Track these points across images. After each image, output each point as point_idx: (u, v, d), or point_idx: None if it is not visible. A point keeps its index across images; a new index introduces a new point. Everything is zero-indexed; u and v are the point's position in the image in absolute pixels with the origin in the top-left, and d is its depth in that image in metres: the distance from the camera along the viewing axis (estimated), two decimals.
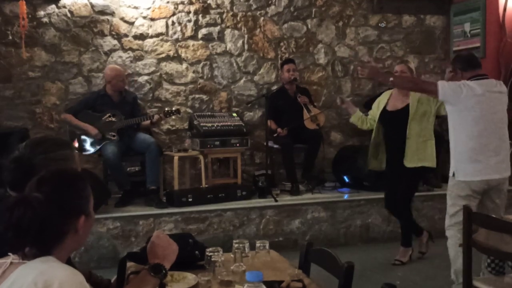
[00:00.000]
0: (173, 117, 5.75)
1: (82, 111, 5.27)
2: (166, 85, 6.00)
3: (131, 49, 5.87)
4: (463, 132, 3.62)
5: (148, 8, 5.87)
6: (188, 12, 6.00)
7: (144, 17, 5.87)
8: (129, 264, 2.02)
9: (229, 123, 5.68)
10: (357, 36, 6.52)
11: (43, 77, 5.67)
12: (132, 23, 5.85)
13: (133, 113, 5.34)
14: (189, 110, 6.03)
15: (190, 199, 5.08)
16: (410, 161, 4.46)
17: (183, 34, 5.99)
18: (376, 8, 6.53)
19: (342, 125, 6.42)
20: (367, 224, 5.41)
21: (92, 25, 5.75)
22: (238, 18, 6.15)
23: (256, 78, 6.25)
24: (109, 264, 4.51)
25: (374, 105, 4.79)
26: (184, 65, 6.03)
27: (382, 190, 5.55)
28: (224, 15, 6.11)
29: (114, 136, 5.16)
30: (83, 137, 5.19)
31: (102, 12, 5.76)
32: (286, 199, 5.40)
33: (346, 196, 5.53)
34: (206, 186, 5.48)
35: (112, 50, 5.82)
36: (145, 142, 5.14)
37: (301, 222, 5.27)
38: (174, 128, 6.03)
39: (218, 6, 6.08)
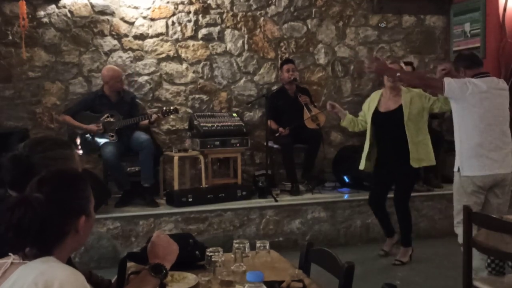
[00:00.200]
0: (172, 116, 5.76)
1: (80, 112, 5.26)
2: (166, 85, 6.00)
3: (131, 49, 5.87)
4: (469, 128, 3.68)
5: (148, 8, 5.87)
6: (188, 12, 6.00)
7: (144, 17, 5.87)
8: (130, 264, 2.02)
9: (229, 123, 5.68)
10: (357, 36, 6.52)
11: (43, 77, 5.67)
12: (132, 23, 5.86)
13: (131, 113, 5.33)
14: (189, 110, 6.04)
15: (190, 199, 5.08)
16: (416, 162, 4.45)
17: (183, 34, 5.99)
18: (376, 8, 6.53)
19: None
20: (367, 224, 5.41)
21: (92, 25, 5.75)
22: (238, 18, 6.15)
23: (256, 78, 6.25)
24: (109, 264, 4.51)
25: (365, 106, 4.77)
26: (184, 65, 6.03)
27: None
28: (224, 15, 6.11)
29: (112, 136, 5.16)
30: (86, 135, 5.20)
31: (102, 12, 5.77)
32: (286, 199, 5.40)
33: (346, 196, 5.53)
34: (206, 186, 5.48)
35: (112, 50, 5.82)
36: (139, 140, 5.13)
37: (301, 222, 5.27)
38: (174, 128, 6.03)
39: (218, 6, 6.08)
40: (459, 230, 3.71)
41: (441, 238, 5.05)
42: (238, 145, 5.58)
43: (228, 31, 6.13)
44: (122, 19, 5.82)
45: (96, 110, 5.27)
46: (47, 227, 1.40)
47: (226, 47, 6.14)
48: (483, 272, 3.46)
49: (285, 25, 6.30)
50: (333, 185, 5.90)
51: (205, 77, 6.09)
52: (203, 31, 6.05)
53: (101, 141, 5.17)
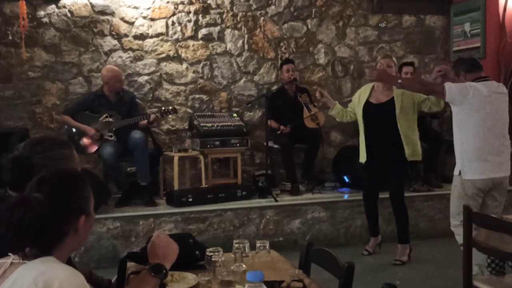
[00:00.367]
0: (172, 116, 5.76)
1: (79, 112, 5.26)
2: (166, 85, 6.00)
3: (131, 49, 5.87)
4: (470, 131, 3.71)
5: (148, 8, 5.88)
6: (188, 12, 6.00)
7: (144, 17, 5.87)
8: (130, 264, 2.02)
9: (229, 123, 5.68)
10: (357, 36, 6.52)
11: (43, 77, 5.67)
12: (132, 23, 5.86)
13: (131, 113, 5.32)
14: (189, 110, 6.04)
15: (190, 199, 5.08)
16: (410, 155, 4.49)
17: (183, 34, 5.99)
18: (376, 8, 6.53)
19: (342, 125, 6.40)
20: (367, 224, 5.40)
21: (92, 25, 5.75)
22: (238, 18, 6.15)
23: (256, 78, 6.25)
24: (109, 264, 4.50)
25: (355, 97, 4.77)
26: (184, 65, 6.03)
27: (383, 190, 5.56)
28: (224, 15, 6.11)
29: (111, 136, 5.16)
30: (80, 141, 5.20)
31: (102, 12, 5.77)
32: (286, 199, 5.40)
33: (346, 196, 5.53)
34: (206, 186, 5.48)
35: (112, 50, 5.82)
36: (133, 139, 5.11)
37: (301, 222, 5.27)
38: (174, 128, 6.03)
39: (218, 6, 6.08)
40: (458, 231, 3.74)
41: (441, 238, 5.04)
42: (238, 145, 5.58)
43: (228, 31, 6.13)
44: (122, 19, 5.82)
45: (95, 110, 5.26)
46: (46, 227, 1.40)
47: (226, 47, 6.14)
48: (477, 255, 3.48)
49: (285, 25, 6.30)
50: (333, 185, 5.90)
51: (205, 77, 6.09)
52: (203, 31, 6.05)
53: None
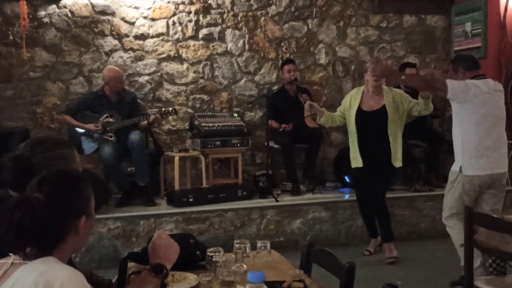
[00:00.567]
0: (170, 117, 5.75)
1: (80, 112, 5.26)
2: (166, 85, 6.00)
3: (131, 49, 5.87)
4: (472, 128, 3.76)
5: (149, 8, 5.87)
6: (189, 12, 6.00)
7: (145, 17, 5.87)
8: (130, 264, 2.02)
9: (229, 123, 5.68)
10: (358, 36, 6.52)
11: (44, 77, 5.67)
12: (132, 23, 5.85)
13: (132, 113, 5.31)
14: (189, 110, 6.03)
15: (191, 199, 5.08)
16: (396, 161, 4.54)
17: (184, 34, 5.99)
18: (377, 8, 6.53)
19: (343, 125, 6.39)
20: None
21: (93, 25, 5.75)
22: (239, 18, 6.15)
23: (256, 78, 6.25)
24: (110, 264, 4.50)
25: (345, 102, 4.76)
26: (185, 65, 6.03)
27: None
28: (225, 15, 6.11)
29: (111, 136, 5.15)
30: (82, 137, 5.19)
31: (103, 12, 5.77)
32: (287, 199, 5.40)
33: (347, 196, 5.52)
34: (207, 186, 5.48)
35: (113, 50, 5.82)
36: (130, 140, 5.10)
37: (302, 222, 5.26)
38: (175, 128, 6.03)
39: (218, 6, 6.08)
40: (451, 222, 3.90)
41: (442, 238, 5.01)
42: (238, 145, 5.58)
43: (228, 31, 6.13)
44: (123, 19, 5.82)
45: (96, 110, 5.26)
46: (47, 227, 1.40)
47: (226, 47, 6.13)
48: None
49: (286, 25, 6.30)
50: (334, 185, 5.89)
51: (205, 77, 6.09)
52: (204, 31, 6.05)
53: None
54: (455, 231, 3.86)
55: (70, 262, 1.62)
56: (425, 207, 5.55)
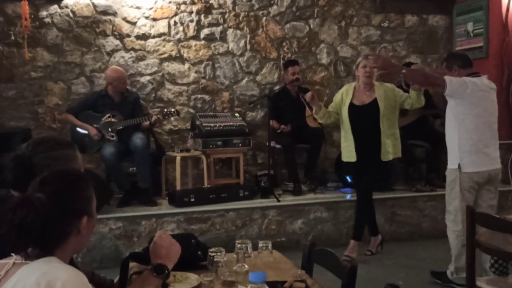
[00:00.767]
0: (172, 118, 5.75)
1: (82, 111, 5.27)
2: (168, 85, 6.00)
3: (133, 49, 5.87)
4: (469, 125, 3.80)
5: (150, 8, 5.88)
6: (190, 12, 6.00)
7: (147, 17, 5.88)
8: (132, 264, 2.02)
9: (231, 123, 5.67)
10: (360, 36, 6.51)
11: (46, 78, 5.67)
12: (134, 23, 5.86)
13: (134, 114, 5.32)
14: (191, 110, 6.03)
15: (192, 199, 5.08)
16: (385, 156, 4.55)
17: (185, 34, 5.99)
18: (378, 8, 6.52)
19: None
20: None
21: (95, 25, 5.75)
22: (241, 18, 6.15)
23: (258, 78, 6.25)
24: (111, 264, 4.51)
25: (337, 98, 4.78)
26: (187, 65, 6.03)
27: (384, 190, 5.57)
28: (227, 15, 6.11)
29: (113, 136, 5.16)
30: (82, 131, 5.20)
31: (105, 12, 5.77)
32: (289, 199, 5.40)
33: (348, 196, 5.51)
34: (209, 186, 5.48)
35: (115, 50, 5.82)
36: (134, 143, 5.11)
37: (303, 222, 5.26)
38: (176, 128, 6.03)
39: (220, 6, 6.08)
40: (455, 227, 3.90)
41: (444, 238, 5.00)
42: (240, 145, 5.58)
43: (230, 31, 6.13)
44: (124, 19, 5.82)
45: (98, 109, 5.27)
46: (49, 228, 1.40)
47: (228, 47, 6.13)
48: (462, 258, 3.72)
49: (287, 25, 6.30)
50: (336, 185, 5.89)
51: (207, 77, 6.09)
52: (205, 31, 6.05)
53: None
54: (455, 237, 3.91)
55: (72, 262, 1.62)
56: (426, 207, 5.54)
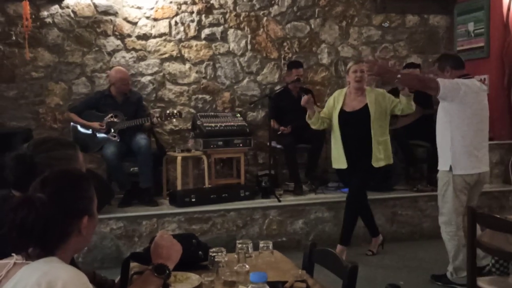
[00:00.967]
0: (174, 120, 5.76)
1: (85, 110, 5.28)
2: (169, 85, 6.00)
3: (134, 49, 5.87)
4: (462, 127, 3.82)
5: (151, 8, 5.88)
6: (191, 12, 6.00)
7: (147, 17, 5.88)
8: (133, 264, 2.02)
9: (232, 123, 5.68)
10: (361, 36, 6.51)
11: (47, 78, 5.68)
12: (135, 23, 5.86)
13: (137, 114, 5.32)
14: (192, 110, 6.03)
15: (193, 199, 5.08)
16: (376, 161, 4.53)
17: (186, 34, 5.99)
18: (379, 8, 6.52)
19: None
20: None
21: (95, 25, 5.76)
22: (241, 18, 6.15)
23: (259, 78, 6.25)
24: (112, 264, 4.51)
25: (329, 104, 4.77)
26: (187, 65, 6.03)
27: (386, 190, 5.57)
28: (227, 15, 6.11)
29: (115, 136, 5.17)
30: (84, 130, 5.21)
31: (105, 12, 5.77)
32: (290, 199, 5.40)
33: None
34: (209, 186, 5.48)
35: (115, 51, 5.83)
36: (138, 144, 5.12)
37: (304, 222, 5.26)
38: (177, 128, 6.03)
39: (221, 6, 6.08)
40: (448, 228, 3.95)
41: None
42: (241, 145, 5.58)
43: (231, 31, 6.13)
44: (125, 19, 5.83)
45: (101, 109, 5.28)
46: (49, 228, 1.40)
47: (229, 47, 6.13)
48: (459, 257, 3.84)
49: (288, 25, 6.30)
50: (336, 185, 5.88)
51: (208, 77, 6.09)
52: (206, 31, 6.05)
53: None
54: (450, 238, 3.95)
55: (73, 262, 1.62)
56: (427, 207, 5.53)
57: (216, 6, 6.07)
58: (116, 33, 5.81)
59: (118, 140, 5.15)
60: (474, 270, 2.81)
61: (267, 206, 5.22)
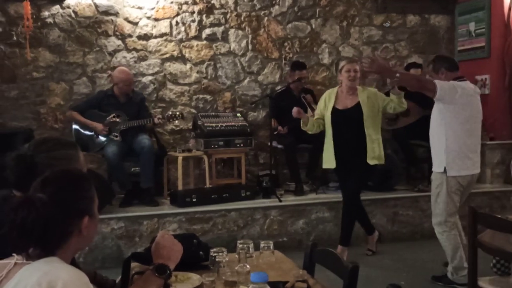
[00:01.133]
0: (177, 121, 5.76)
1: (88, 110, 5.28)
2: (170, 86, 6.00)
3: (135, 49, 5.88)
4: (457, 129, 3.85)
5: (152, 9, 5.88)
6: (192, 12, 6.00)
7: (148, 18, 5.88)
8: (134, 264, 2.02)
9: (233, 123, 5.68)
10: (361, 36, 6.51)
11: (48, 78, 5.68)
12: (136, 24, 5.86)
13: (139, 114, 5.32)
14: (193, 110, 6.03)
15: (194, 199, 5.08)
16: (371, 159, 4.52)
17: (187, 34, 6.00)
18: (380, 8, 6.52)
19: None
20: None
21: (96, 25, 5.76)
22: (242, 18, 6.15)
23: (260, 78, 6.25)
24: (113, 264, 4.51)
25: (321, 104, 4.76)
26: (188, 65, 6.03)
27: (386, 190, 5.57)
28: (228, 15, 6.11)
29: (116, 136, 5.17)
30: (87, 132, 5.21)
31: (106, 12, 5.77)
32: (290, 199, 5.40)
33: None
34: (210, 186, 5.48)
35: (116, 51, 5.83)
36: (141, 144, 5.13)
37: (305, 223, 5.26)
38: (178, 128, 6.03)
39: (222, 6, 6.08)
40: (442, 228, 4.01)
41: None
42: (242, 145, 5.58)
43: (232, 31, 6.13)
44: (126, 19, 5.83)
45: (103, 109, 5.28)
46: (50, 228, 1.40)
47: (230, 47, 6.13)
48: (457, 256, 3.91)
49: (289, 25, 6.30)
50: (337, 185, 5.86)
51: (209, 77, 6.09)
52: (207, 31, 6.05)
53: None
54: (447, 239, 3.99)
55: (74, 262, 1.62)
56: (428, 207, 5.47)
57: (217, 6, 6.07)
58: (117, 33, 5.82)
59: (120, 140, 5.16)
60: (475, 270, 2.80)
61: (268, 206, 5.22)
